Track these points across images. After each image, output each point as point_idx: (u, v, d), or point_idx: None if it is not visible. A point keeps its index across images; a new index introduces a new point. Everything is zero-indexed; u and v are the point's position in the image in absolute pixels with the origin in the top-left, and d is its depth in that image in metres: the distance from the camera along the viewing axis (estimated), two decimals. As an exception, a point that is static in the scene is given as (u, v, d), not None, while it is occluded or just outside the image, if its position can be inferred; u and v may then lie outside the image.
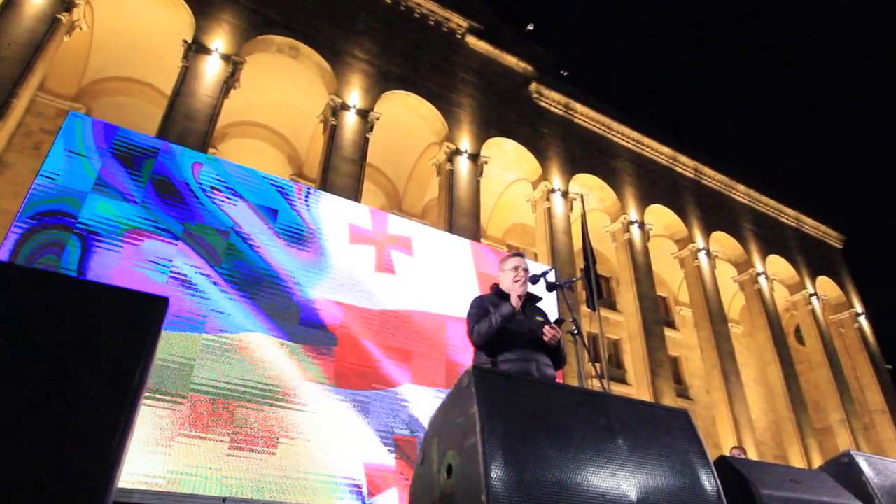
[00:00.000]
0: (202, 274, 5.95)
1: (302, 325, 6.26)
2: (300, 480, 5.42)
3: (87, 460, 1.58)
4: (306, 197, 7.21)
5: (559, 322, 3.35)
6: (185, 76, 13.60)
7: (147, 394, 4.76)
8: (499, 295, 3.50)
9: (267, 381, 5.74)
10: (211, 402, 5.17)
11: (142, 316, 2.14)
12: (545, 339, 3.22)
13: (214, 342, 5.62)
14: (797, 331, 26.55)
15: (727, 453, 11.04)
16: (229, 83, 14.34)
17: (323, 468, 5.66)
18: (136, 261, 5.73)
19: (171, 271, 5.80)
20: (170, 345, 5.35)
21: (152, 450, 4.64)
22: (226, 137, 17.97)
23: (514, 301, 3.24)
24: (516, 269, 3.54)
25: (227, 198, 6.59)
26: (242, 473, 4.94)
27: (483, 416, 1.89)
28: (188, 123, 13.09)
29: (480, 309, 3.38)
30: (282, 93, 17.38)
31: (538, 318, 3.34)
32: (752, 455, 17.02)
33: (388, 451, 6.13)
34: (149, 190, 6.17)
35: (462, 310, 3.48)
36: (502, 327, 3.18)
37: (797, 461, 19.21)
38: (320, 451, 5.73)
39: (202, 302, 5.81)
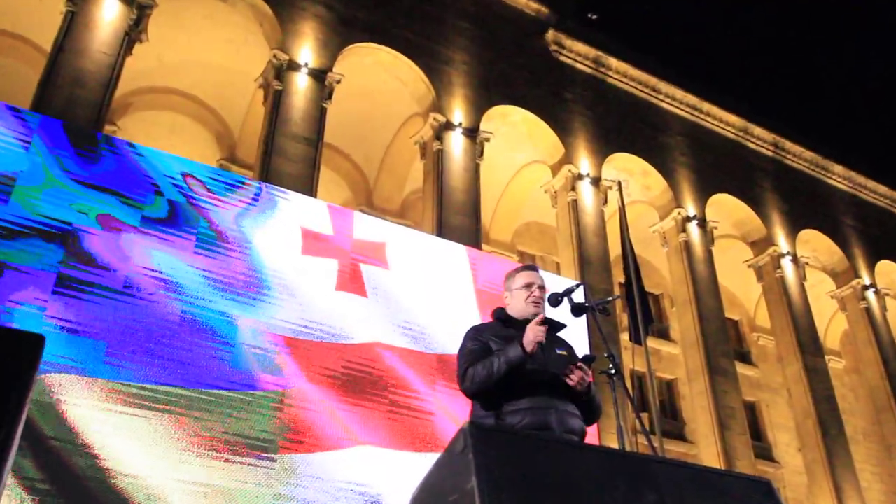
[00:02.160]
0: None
1: (231, 372, 6.23)
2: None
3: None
4: (234, 188, 7.20)
5: (589, 360, 3.32)
6: (71, 25, 13.56)
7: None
8: (504, 323, 3.47)
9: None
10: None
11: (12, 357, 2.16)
12: (570, 384, 3.20)
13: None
14: (919, 364, 26.71)
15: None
16: (133, 35, 14.29)
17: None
18: None
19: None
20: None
21: None
22: (130, 109, 17.92)
23: (531, 343, 3.14)
24: (528, 286, 3.50)
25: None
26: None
27: (485, 493, 1.87)
28: (76, 91, 13.03)
29: (476, 345, 3.35)
30: (206, 48, 17.37)
31: (559, 353, 3.32)
32: (861, 537, 17.06)
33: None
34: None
35: (456, 343, 3.46)
36: (507, 377, 3.15)
37: (923, 544, 19.27)
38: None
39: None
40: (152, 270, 6.31)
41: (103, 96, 13.30)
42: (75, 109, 12.58)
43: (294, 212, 7.42)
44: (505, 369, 3.13)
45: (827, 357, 22.71)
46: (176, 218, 6.75)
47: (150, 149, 7.19)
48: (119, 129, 17.17)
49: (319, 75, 16.01)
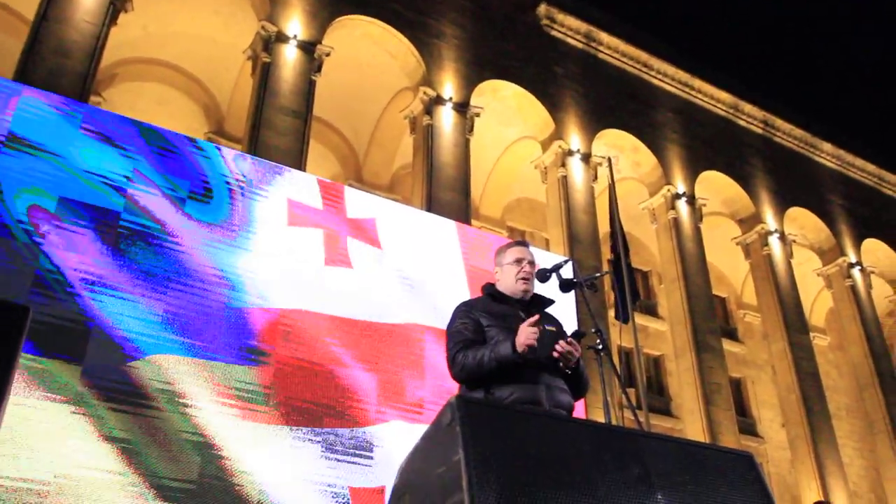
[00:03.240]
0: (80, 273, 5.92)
1: (224, 340, 6.24)
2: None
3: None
4: (234, 166, 7.16)
5: (578, 335, 3.35)
6: (56, -5, 13.36)
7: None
8: (493, 298, 3.50)
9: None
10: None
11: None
12: (556, 356, 3.22)
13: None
14: (903, 342, 27.03)
15: (808, 509, 11.23)
16: (118, 4, 14.09)
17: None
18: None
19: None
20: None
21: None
22: (115, 81, 17.72)
23: (522, 345, 3.11)
24: (519, 261, 3.52)
25: (113, 161, 6.51)
26: None
27: (472, 466, 1.89)
28: (60, 61, 12.88)
29: (467, 323, 3.35)
30: (193, 18, 17.15)
31: (549, 329, 3.34)
32: (842, 511, 17.35)
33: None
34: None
35: (446, 319, 3.47)
36: (496, 368, 3.17)
37: (902, 518, 19.62)
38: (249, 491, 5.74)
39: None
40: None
41: (88, 66, 13.14)
42: (59, 80, 12.43)
43: (282, 185, 7.38)
44: (495, 365, 3.16)
45: (812, 334, 22.93)
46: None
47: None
48: (104, 101, 16.98)
49: (308, 48, 15.87)
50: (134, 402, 5.74)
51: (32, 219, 6.00)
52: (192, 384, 5.95)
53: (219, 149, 7.45)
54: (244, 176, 7.16)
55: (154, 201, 6.56)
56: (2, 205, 5.96)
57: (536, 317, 3.19)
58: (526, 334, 3.14)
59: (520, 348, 3.12)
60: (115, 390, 5.71)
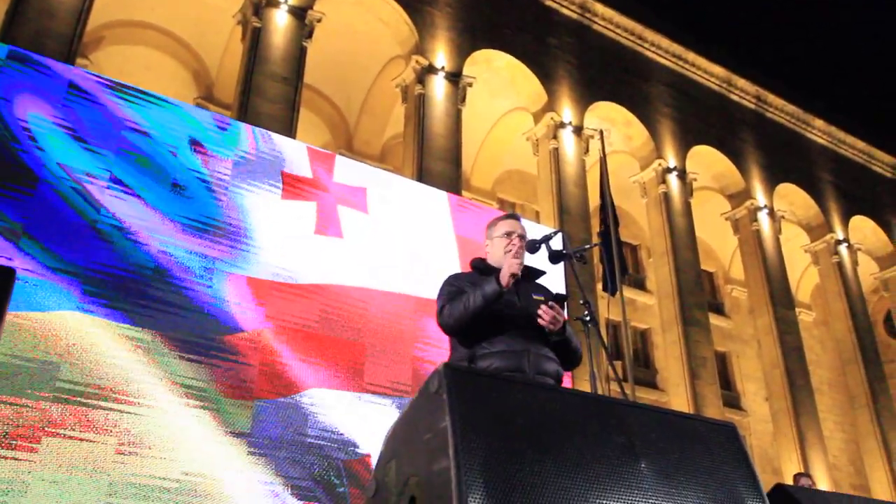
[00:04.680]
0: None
1: (204, 313, 6.24)
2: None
3: None
4: (218, 129, 7.11)
5: (560, 299, 3.34)
6: (42, -46, 13.13)
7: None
8: (482, 272, 3.50)
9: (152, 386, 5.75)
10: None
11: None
12: (541, 322, 3.24)
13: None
14: (888, 319, 27.34)
15: (789, 482, 11.42)
16: (106, -35, 13.89)
17: (243, 497, 5.72)
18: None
19: None
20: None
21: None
22: (102, 43, 17.48)
23: (505, 277, 3.20)
24: (509, 234, 3.52)
25: (93, 129, 6.44)
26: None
27: (458, 432, 1.91)
28: (45, 22, 12.69)
29: (454, 288, 3.38)
30: (182, -19, 16.91)
31: (536, 297, 3.36)
32: (823, 484, 17.66)
33: (331, 476, 6.21)
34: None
35: (436, 288, 3.49)
36: (483, 311, 3.19)
37: (882, 492, 19.97)
38: (242, 481, 5.78)
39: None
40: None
41: (74, 28, 12.98)
42: (44, 41, 12.27)
43: (273, 153, 7.34)
44: (481, 302, 3.18)
45: (797, 309, 23.16)
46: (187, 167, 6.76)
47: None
48: (91, 64, 16.75)
49: (300, 13, 15.69)
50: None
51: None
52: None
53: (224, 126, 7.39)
54: (236, 144, 7.11)
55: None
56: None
57: (520, 244, 3.25)
58: (509, 264, 3.22)
59: (503, 279, 3.18)
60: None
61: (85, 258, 5.88)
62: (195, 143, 6.84)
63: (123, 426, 5.52)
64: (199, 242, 6.45)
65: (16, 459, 5.08)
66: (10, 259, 5.55)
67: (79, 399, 5.43)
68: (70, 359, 5.52)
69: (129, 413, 5.57)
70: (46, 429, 5.23)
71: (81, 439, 5.33)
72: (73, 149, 6.24)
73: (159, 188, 6.49)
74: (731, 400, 22.89)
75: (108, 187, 6.24)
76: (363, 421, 6.56)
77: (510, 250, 3.48)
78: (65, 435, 5.28)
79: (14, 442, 5.11)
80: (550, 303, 3.26)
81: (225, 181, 6.83)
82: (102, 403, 5.51)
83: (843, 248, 24.16)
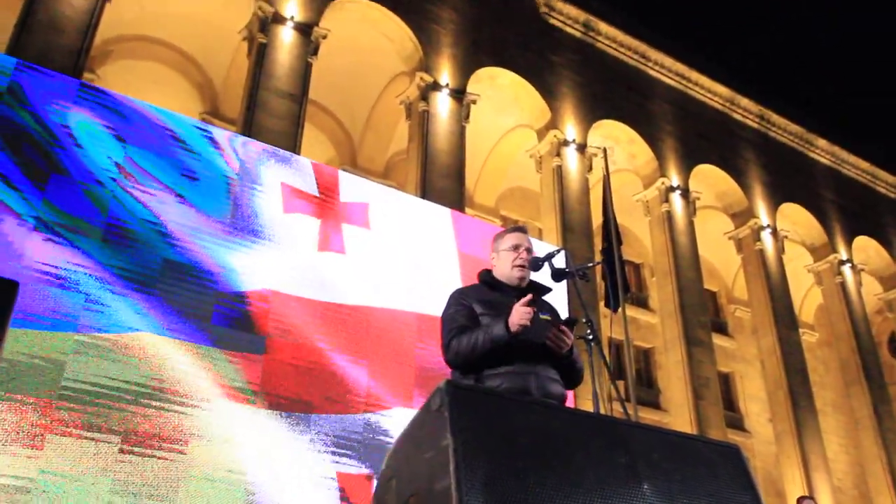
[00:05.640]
0: (73, 263, 5.90)
1: (215, 324, 6.24)
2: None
3: None
4: (229, 147, 7.14)
5: (570, 322, 3.31)
6: (50, -31, 13.25)
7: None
8: (490, 286, 3.48)
9: (166, 391, 5.74)
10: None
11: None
12: (549, 345, 3.22)
13: (91, 343, 5.64)
14: (892, 340, 27.21)
15: None
16: (114, -19, 14.01)
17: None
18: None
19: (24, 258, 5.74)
20: (29, 344, 5.40)
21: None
22: (109, 58, 17.59)
23: (515, 325, 3.10)
24: (516, 247, 3.48)
25: (114, 148, 6.48)
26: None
27: (460, 451, 1.90)
28: (53, 37, 12.78)
29: (461, 309, 3.34)
30: (189, -3, 17.04)
31: (543, 317, 3.33)
32: (826, 505, 17.51)
33: (329, 492, 6.17)
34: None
35: (438, 305, 3.47)
36: (490, 352, 3.17)
37: (885, 514, 19.80)
38: (236, 491, 5.75)
39: (71, 295, 5.76)
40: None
41: (82, 43, 13.08)
42: (52, 56, 12.35)
43: (277, 168, 7.36)
44: (489, 346, 3.14)
45: (801, 330, 23.07)
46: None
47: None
48: (99, 78, 16.85)
49: (305, 29, 15.78)
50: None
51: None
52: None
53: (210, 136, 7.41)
54: (239, 159, 7.12)
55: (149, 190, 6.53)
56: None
57: (529, 296, 3.19)
58: (519, 314, 3.12)
59: (513, 328, 3.10)
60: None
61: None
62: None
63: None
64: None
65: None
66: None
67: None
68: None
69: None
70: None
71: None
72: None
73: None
74: (735, 421, 22.75)
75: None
76: (364, 437, 6.52)
77: (519, 263, 3.46)
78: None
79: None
80: (561, 326, 3.24)
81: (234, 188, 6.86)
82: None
83: (846, 269, 24.09)
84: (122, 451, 5.50)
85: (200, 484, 5.67)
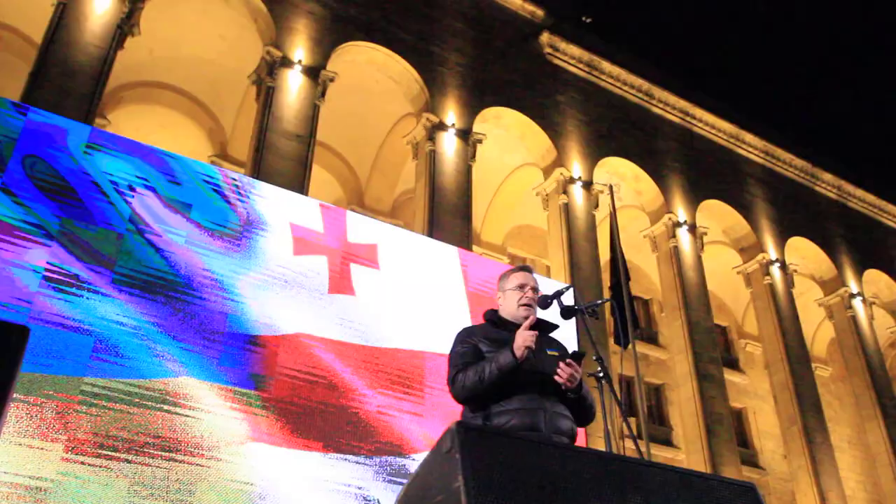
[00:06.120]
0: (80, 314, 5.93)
1: (224, 366, 6.23)
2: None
3: None
4: (237, 189, 7.19)
5: (578, 356, 3.30)
6: (63, 17, 13.52)
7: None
8: (495, 325, 3.48)
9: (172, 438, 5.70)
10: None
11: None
12: (558, 379, 3.19)
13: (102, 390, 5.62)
14: (905, 373, 26.91)
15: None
16: (125, 28, 14.26)
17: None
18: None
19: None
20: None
21: None
22: (121, 103, 17.86)
23: (520, 349, 3.12)
24: (522, 287, 3.51)
25: (127, 189, 6.55)
26: None
27: (471, 493, 1.88)
28: (67, 82, 12.99)
29: (467, 347, 3.34)
30: (199, 43, 17.32)
31: (551, 353, 3.32)
32: (845, 544, 17.16)
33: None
34: (14, 172, 6.12)
35: (447, 343, 3.46)
36: (497, 382, 3.15)
37: (905, 552, 19.39)
38: (251, 499, 5.69)
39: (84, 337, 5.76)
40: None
41: (94, 89, 13.28)
42: (65, 102, 12.54)
43: (285, 209, 7.40)
44: (496, 376, 3.12)
45: (813, 365, 22.85)
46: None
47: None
48: (109, 123, 17.09)
49: (313, 73, 16.00)
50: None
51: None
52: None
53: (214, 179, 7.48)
54: (246, 203, 7.17)
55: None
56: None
57: (532, 319, 3.20)
58: (523, 337, 3.14)
59: (518, 352, 3.11)
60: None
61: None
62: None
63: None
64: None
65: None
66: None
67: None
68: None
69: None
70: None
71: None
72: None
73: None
74: (749, 458, 22.42)
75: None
76: (373, 480, 6.45)
77: (525, 303, 3.46)
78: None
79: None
80: (568, 360, 3.22)
81: (238, 233, 6.90)
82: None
83: (857, 302, 23.94)
84: (138, 454, 5.56)
85: (219, 488, 5.70)
